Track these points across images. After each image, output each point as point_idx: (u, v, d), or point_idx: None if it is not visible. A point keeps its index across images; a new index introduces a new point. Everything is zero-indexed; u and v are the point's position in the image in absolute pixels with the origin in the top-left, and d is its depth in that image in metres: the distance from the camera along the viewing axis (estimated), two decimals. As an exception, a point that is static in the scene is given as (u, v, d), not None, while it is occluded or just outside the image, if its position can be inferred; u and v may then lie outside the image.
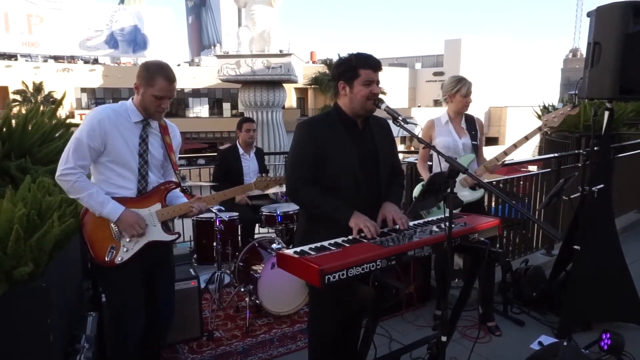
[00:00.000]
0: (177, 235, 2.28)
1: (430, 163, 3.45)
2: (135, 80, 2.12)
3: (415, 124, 2.03)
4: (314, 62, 35.13)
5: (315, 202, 2.02)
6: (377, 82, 2.05)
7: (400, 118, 1.96)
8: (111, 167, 2.11)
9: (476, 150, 3.07)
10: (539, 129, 2.96)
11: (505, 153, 2.96)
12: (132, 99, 2.17)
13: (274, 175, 2.74)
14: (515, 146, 2.91)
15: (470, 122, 3.10)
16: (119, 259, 2.10)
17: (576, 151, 5.10)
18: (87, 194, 2.05)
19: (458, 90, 2.99)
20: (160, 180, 2.25)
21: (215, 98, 35.17)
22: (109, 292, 2.29)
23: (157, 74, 2.08)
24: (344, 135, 2.06)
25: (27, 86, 28.25)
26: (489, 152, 3.25)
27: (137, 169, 2.14)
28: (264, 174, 2.87)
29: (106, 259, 2.09)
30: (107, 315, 2.40)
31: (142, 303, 2.22)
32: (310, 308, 2.34)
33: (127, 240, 2.11)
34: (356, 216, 1.94)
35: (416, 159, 3.47)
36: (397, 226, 2.00)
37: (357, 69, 2.01)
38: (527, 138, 2.92)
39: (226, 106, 34.92)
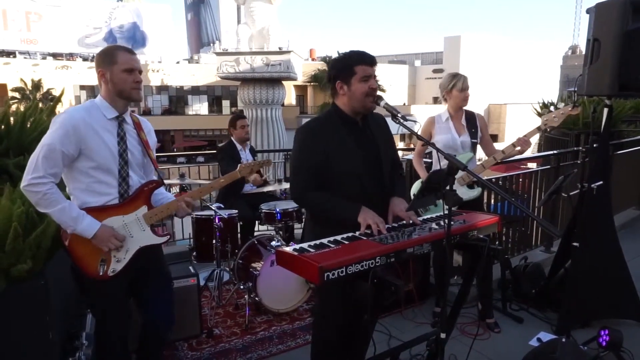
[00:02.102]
0: (168, 237, 2.17)
1: (429, 160, 3.45)
2: (97, 69, 1.97)
3: (415, 121, 2.02)
4: (313, 60, 35.08)
5: (323, 206, 2.03)
6: (375, 77, 2.04)
7: (399, 115, 1.96)
8: (90, 173, 1.94)
9: (475, 148, 3.07)
10: (539, 128, 2.94)
11: (504, 152, 2.95)
12: (100, 95, 2.01)
13: (257, 160, 2.69)
14: (514, 145, 2.90)
15: (471, 119, 3.10)
16: (112, 271, 1.96)
17: (575, 148, 5.10)
18: (59, 208, 1.85)
19: (454, 85, 2.99)
20: (142, 180, 2.11)
21: (215, 95, 35.14)
22: (90, 304, 2.14)
23: (115, 50, 1.97)
24: (345, 135, 2.06)
25: (25, 83, 28.21)
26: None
27: (117, 171, 1.98)
28: (244, 161, 2.81)
29: (99, 273, 1.95)
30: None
31: (126, 314, 2.12)
32: (316, 304, 2.35)
33: (117, 250, 1.98)
34: (364, 212, 1.94)
35: (415, 156, 3.47)
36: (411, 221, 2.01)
37: (353, 66, 2.00)
38: (526, 137, 2.91)
39: (225, 103, 34.91)
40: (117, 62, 1.94)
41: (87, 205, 1.96)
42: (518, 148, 2.88)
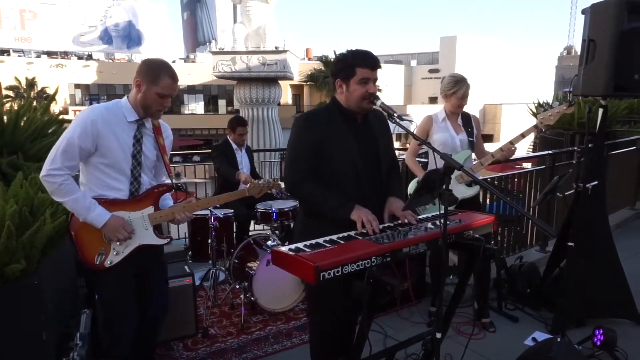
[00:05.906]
0: (169, 240, 2.24)
1: (425, 160, 3.46)
2: (136, 77, 2.04)
3: (411, 121, 2.02)
4: (309, 59, 35.01)
5: (317, 199, 2.02)
6: (375, 80, 2.02)
7: (395, 115, 1.96)
8: (103, 169, 2.03)
9: (472, 146, 3.09)
10: (535, 126, 2.96)
11: (502, 150, 2.98)
12: (128, 97, 2.09)
13: (265, 181, 2.80)
14: (511, 143, 2.94)
15: (467, 119, 3.13)
16: (109, 262, 2.04)
17: (570, 148, 5.12)
18: (72, 198, 1.96)
19: (454, 92, 2.99)
20: (153, 182, 2.20)
21: (211, 95, 35.00)
22: (101, 294, 2.23)
23: (162, 72, 2.02)
24: (343, 128, 2.05)
25: (19, 82, 28.01)
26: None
27: (129, 171, 2.07)
28: (255, 180, 2.88)
29: (95, 262, 2.03)
30: (101, 315, 2.37)
31: (134, 305, 2.18)
32: (308, 302, 2.35)
33: (118, 243, 2.05)
34: (358, 209, 1.94)
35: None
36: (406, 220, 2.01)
37: (354, 67, 1.99)
38: (523, 135, 2.95)
39: (221, 103, 34.78)
40: (158, 85, 2.01)
41: (98, 198, 2.04)
42: (504, 152, 2.97)
